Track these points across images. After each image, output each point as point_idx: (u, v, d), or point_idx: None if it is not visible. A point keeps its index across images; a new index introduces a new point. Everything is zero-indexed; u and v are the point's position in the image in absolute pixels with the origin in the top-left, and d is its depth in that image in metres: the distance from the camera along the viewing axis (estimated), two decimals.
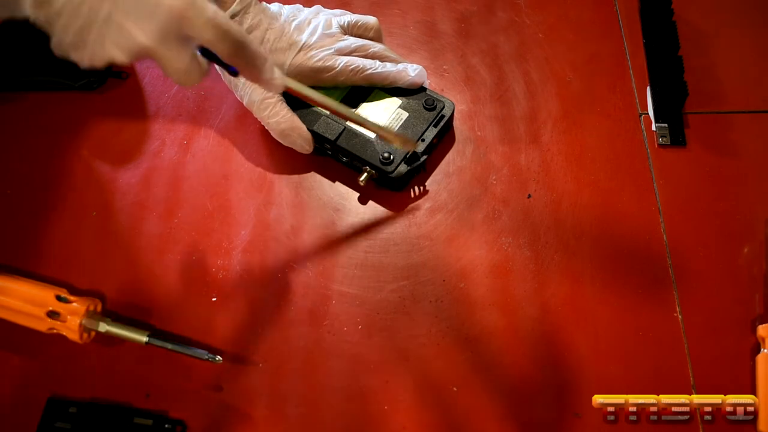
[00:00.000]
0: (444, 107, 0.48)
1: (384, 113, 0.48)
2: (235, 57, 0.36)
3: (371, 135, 0.47)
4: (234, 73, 0.37)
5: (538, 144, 0.50)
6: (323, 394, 0.42)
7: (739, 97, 0.52)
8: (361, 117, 0.44)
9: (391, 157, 0.46)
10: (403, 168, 0.46)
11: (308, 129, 0.47)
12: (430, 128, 0.48)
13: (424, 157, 0.47)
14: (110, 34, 0.33)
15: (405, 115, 0.48)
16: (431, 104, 0.48)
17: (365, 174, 0.47)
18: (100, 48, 0.33)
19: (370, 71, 0.48)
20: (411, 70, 0.49)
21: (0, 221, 0.49)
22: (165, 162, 0.51)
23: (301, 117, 0.47)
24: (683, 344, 0.43)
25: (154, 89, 0.54)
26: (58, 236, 0.48)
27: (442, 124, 0.48)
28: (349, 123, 0.48)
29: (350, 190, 0.49)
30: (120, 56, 0.34)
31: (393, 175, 0.46)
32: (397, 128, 0.48)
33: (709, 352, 0.43)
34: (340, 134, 0.47)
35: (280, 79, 0.39)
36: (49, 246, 0.48)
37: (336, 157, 0.49)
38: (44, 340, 0.43)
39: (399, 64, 0.49)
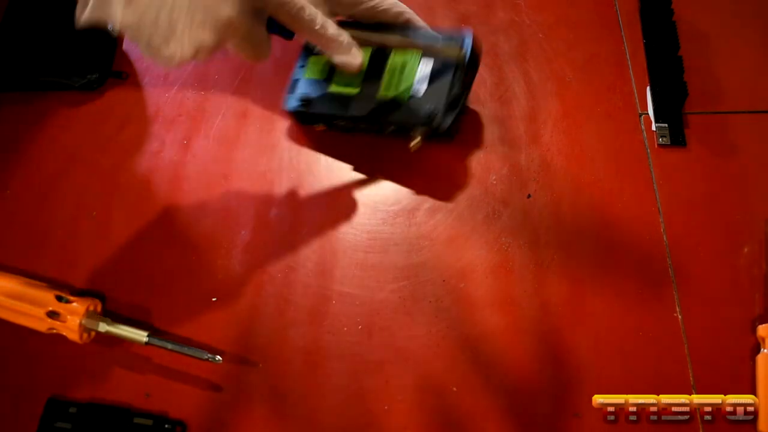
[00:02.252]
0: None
1: (410, 69, 0.47)
2: (295, 22, 0.39)
3: (406, 97, 0.46)
4: (290, 37, 0.42)
5: (538, 144, 0.50)
6: (323, 394, 0.42)
7: (739, 97, 0.52)
8: (411, 40, 0.44)
9: (434, 112, 0.45)
10: (449, 118, 0.45)
11: (342, 115, 0.47)
12: (456, 72, 0.46)
13: (463, 93, 0.46)
14: (197, 16, 0.35)
15: (430, 63, 0.47)
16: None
17: (416, 139, 0.45)
18: (188, 35, 0.35)
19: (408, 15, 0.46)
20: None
21: (0, 221, 0.49)
22: (165, 162, 0.51)
23: (332, 106, 0.47)
24: (683, 344, 0.43)
25: (154, 89, 0.54)
26: (58, 236, 0.48)
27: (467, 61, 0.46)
28: (382, 94, 0.46)
29: (350, 190, 0.49)
30: (208, 37, 0.36)
31: (443, 126, 0.45)
32: (425, 81, 0.46)
33: (709, 352, 0.43)
34: (378, 109, 0.46)
35: (339, 34, 0.41)
36: (49, 246, 0.48)
37: (381, 131, 0.48)
38: (44, 340, 0.43)
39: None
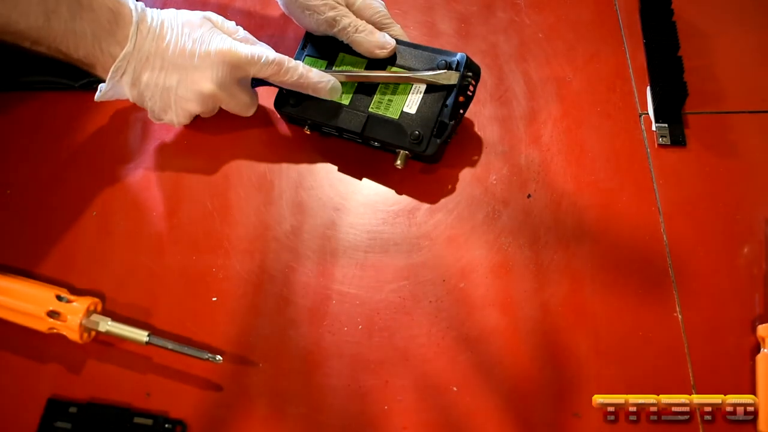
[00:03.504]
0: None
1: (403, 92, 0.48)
2: (279, 77, 0.45)
3: (395, 117, 0.46)
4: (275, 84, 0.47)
5: (538, 144, 0.50)
6: (323, 394, 0.42)
7: (739, 97, 0.52)
8: (401, 74, 0.46)
9: (420, 136, 0.45)
10: (434, 143, 0.45)
11: (329, 124, 0.47)
12: (449, 99, 0.46)
13: (452, 122, 0.46)
14: (184, 93, 0.45)
15: (423, 87, 0.47)
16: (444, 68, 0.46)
17: (399, 158, 0.46)
18: (180, 106, 0.46)
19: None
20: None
21: (0, 221, 0.49)
22: (165, 162, 0.51)
23: (321, 113, 0.47)
24: (683, 344, 0.43)
25: None
26: (58, 236, 0.48)
27: (458, 92, 0.46)
28: (371, 110, 0.47)
29: (350, 190, 0.49)
30: (195, 107, 0.46)
31: (427, 153, 0.45)
32: (416, 103, 0.46)
33: (709, 352, 0.43)
34: (365, 124, 0.46)
35: (317, 72, 0.46)
36: (49, 246, 0.48)
37: (366, 143, 0.49)
38: (44, 340, 0.43)
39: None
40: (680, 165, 0.49)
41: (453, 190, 0.49)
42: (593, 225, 0.47)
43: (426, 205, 0.48)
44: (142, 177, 0.50)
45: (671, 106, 0.51)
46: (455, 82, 0.45)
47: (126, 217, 0.49)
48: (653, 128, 0.51)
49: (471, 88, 0.47)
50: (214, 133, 0.52)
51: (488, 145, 0.51)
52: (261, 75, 0.45)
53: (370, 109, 0.47)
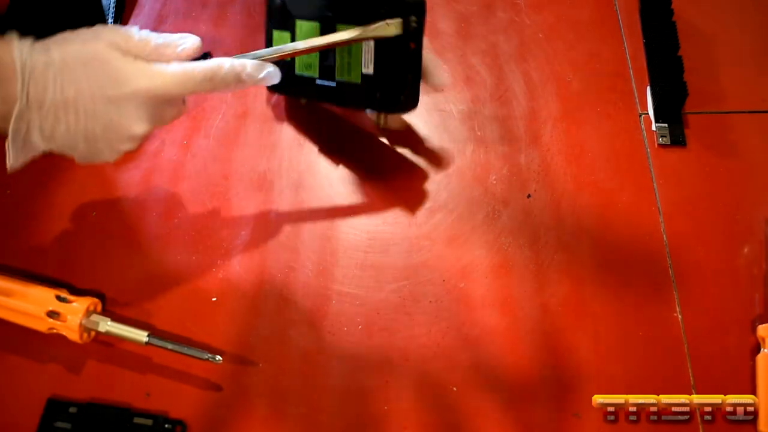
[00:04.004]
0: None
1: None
2: (214, 89, 0.39)
3: (358, 81, 0.45)
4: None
5: (538, 144, 0.50)
6: (323, 394, 0.42)
7: (739, 97, 0.52)
8: (343, 37, 0.41)
9: (385, 96, 0.44)
10: (399, 99, 0.44)
11: (308, 96, 0.47)
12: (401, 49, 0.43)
13: (409, 75, 0.43)
14: (114, 139, 0.38)
15: (372, 44, 0.44)
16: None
17: (375, 118, 0.46)
18: (113, 149, 0.39)
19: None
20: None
21: (0, 221, 0.49)
22: (165, 162, 0.51)
23: (298, 88, 0.47)
24: (683, 344, 0.43)
25: None
26: (58, 236, 0.48)
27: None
28: (338, 77, 0.45)
29: (350, 190, 0.49)
30: (131, 146, 0.39)
31: (396, 111, 0.46)
32: (371, 62, 0.44)
33: (709, 352, 0.43)
34: (337, 94, 0.46)
35: (252, 65, 0.39)
36: (49, 246, 0.48)
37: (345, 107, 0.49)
38: (44, 340, 0.43)
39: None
40: (680, 165, 0.49)
41: (453, 190, 0.49)
42: (593, 225, 0.47)
43: (426, 205, 0.48)
44: (142, 177, 0.50)
45: (671, 106, 0.51)
46: (399, 32, 0.42)
47: (126, 217, 0.49)
48: (653, 128, 0.51)
49: (415, 26, 0.42)
50: (214, 132, 0.52)
51: (488, 145, 0.50)
52: (195, 92, 0.39)
53: (336, 77, 0.46)
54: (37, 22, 0.50)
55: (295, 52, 0.42)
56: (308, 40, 0.42)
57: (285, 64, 0.48)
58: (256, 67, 0.40)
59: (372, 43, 0.44)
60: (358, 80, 0.45)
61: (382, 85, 0.44)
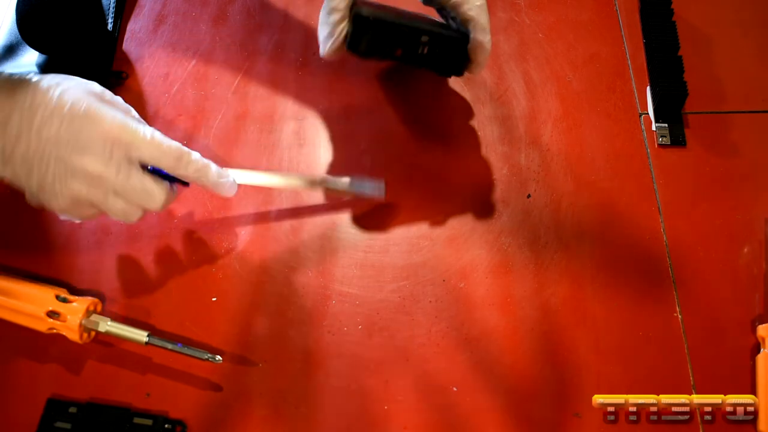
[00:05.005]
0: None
1: None
2: (177, 170, 0.39)
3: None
4: (186, 184, 0.41)
5: (538, 144, 0.50)
6: (323, 394, 0.42)
7: (739, 97, 0.52)
8: (322, 180, 0.46)
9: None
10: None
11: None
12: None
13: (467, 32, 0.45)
14: (66, 174, 0.36)
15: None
16: None
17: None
18: (63, 187, 0.37)
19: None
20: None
21: (0, 221, 0.49)
22: None
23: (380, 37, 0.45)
24: (683, 344, 0.43)
25: (154, 89, 0.54)
26: (58, 236, 0.48)
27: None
28: (423, 38, 0.45)
29: None
30: (82, 189, 0.37)
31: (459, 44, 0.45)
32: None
33: (709, 352, 0.43)
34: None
35: (228, 179, 0.41)
36: (49, 246, 0.48)
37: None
38: (44, 340, 0.43)
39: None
40: (680, 165, 0.49)
41: (453, 190, 0.49)
42: (593, 225, 0.47)
43: (426, 205, 0.48)
44: None
45: (671, 106, 0.51)
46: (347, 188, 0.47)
47: None
48: (653, 128, 0.51)
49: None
50: (214, 133, 0.52)
51: (488, 145, 0.51)
52: (159, 163, 0.38)
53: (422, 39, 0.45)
54: (37, 22, 0.50)
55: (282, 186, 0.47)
56: (269, 176, 0.45)
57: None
58: (219, 172, 0.41)
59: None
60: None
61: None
